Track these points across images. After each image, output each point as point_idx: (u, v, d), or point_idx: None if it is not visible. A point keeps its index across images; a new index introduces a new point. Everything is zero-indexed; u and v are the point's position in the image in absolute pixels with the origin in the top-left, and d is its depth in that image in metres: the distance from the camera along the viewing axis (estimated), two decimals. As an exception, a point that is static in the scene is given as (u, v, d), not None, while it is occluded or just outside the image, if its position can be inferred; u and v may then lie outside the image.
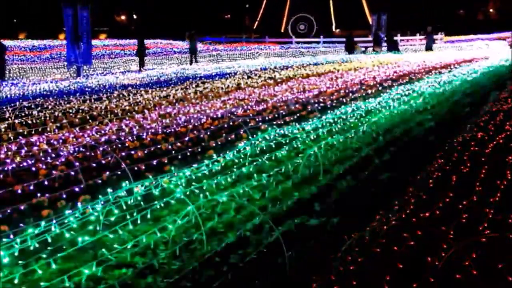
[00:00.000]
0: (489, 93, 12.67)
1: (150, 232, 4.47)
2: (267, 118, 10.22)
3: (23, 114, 10.79)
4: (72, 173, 6.37)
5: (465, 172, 5.97)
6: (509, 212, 4.67)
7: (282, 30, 53.85)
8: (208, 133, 8.61)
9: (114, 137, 8.30)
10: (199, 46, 32.81)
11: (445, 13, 56.21)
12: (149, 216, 4.96)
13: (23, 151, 7.51)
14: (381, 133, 8.29)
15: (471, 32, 44.83)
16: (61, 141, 8.24)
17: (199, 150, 7.74)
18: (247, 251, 4.26)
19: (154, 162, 6.96)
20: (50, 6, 40.83)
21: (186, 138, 8.29)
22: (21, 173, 6.64)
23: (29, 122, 10.11)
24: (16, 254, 4.06)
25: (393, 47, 31.85)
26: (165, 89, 14.92)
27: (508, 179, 5.63)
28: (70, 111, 11.31)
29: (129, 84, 16.20)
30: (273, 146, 7.55)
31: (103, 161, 6.98)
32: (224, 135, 8.48)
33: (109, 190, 5.00)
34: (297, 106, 11.67)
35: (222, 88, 15.03)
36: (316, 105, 11.73)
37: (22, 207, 5.35)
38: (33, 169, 6.73)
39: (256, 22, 56.54)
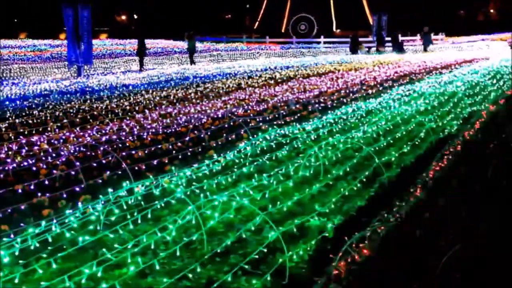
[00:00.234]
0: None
1: (151, 232, 4.47)
2: (267, 118, 10.22)
3: (23, 114, 10.80)
4: (73, 172, 6.37)
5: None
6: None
7: (283, 30, 53.86)
8: (209, 133, 8.61)
9: (114, 137, 8.30)
10: (199, 46, 32.85)
11: (446, 14, 56.20)
12: (149, 216, 4.96)
13: (23, 150, 7.51)
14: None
15: (471, 33, 44.82)
16: (61, 140, 8.25)
17: (200, 150, 7.74)
18: (247, 251, 4.26)
19: (155, 162, 6.97)
20: (50, 6, 40.84)
21: (187, 138, 8.29)
22: (22, 173, 6.64)
23: (30, 121, 10.11)
24: (16, 253, 4.06)
25: (398, 47, 31.79)
26: (165, 89, 14.93)
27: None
28: (71, 110, 11.32)
29: (130, 84, 16.22)
30: (274, 146, 7.55)
31: (104, 161, 6.98)
32: (224, 135, 8.48)
33: (110, 190, 5.00)
34: (297, 106, 11.68)
35: (222, 88, 15.04)
36: (317, 105, 11.73)
37: (22, 207, 5.35)
38: (34, 168, 6.73)
39: (257, 22, 56.56)
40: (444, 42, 42.96)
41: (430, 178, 5.81)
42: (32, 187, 5.95)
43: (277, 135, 7.78)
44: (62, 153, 7.23)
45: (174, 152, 7.60)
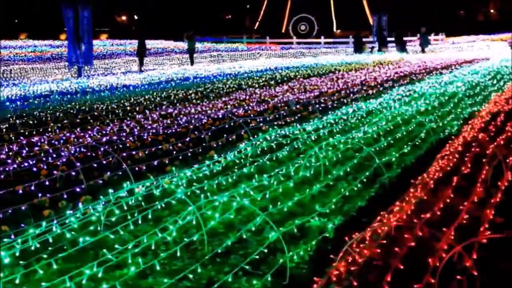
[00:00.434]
0: None
1: (151, 232, 4.47)
2: (268, 118, 10.22)
3: (24, 114, 10.80)
4: (73, 173, 6.37)
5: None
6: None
7: (283, 31, 53.90)
8: (209, 134, 8.61)
9: (115, 137, 8.31)
10: (199, 46, 32.83)
11: (446, 14, 56.20)
12: (150, 216, 4.96)
13: (24, 151, 7.52)
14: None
15: (471, 33, 44.82)
16: (62, 141, 8.25)
17: (200, 150, 7.74)
18: (247, 252, 4.26)
19: (155, 162, 6.97)
20: (50, 6, 40.86)
21: (187, 139, 8.29)
22: (22, 173, 6.65)
23: (30, 122, 10.12)
24: (17, 254, 4.07)
25: (401, 47, 31.76)
26: (166, 89, 14.94)
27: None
28: (72, 111, 11.32)
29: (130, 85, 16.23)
30: (274, 146, 7.55)
31: (104, 162, 6.99)
32: (225, 135, 8.49)
33: (110, 190, 5.01)
34: (298, 106, 11.68)
35: (222, 89, 15.05)
36: (317, 105, 11.73)
37: (23, 207, 5.35)
38: (34, 169, 6.73)
39: (257, 23, 56.58)
40: (444, 42, 42.96)
41: (430, 178, 5.81)
42: (32, 187, 5.95)
43: (277, 135, 7.78)
44: (62, 153, 7.24)
45: (174, 152, 7.61)
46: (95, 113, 10.79)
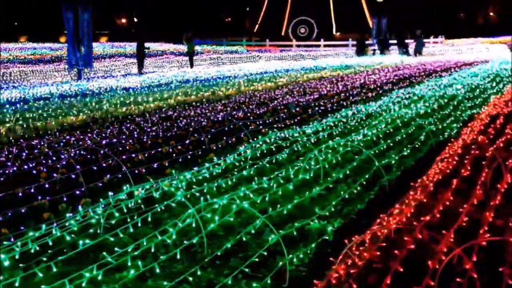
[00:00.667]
0: None
1: (151, 235, 4.47)
2: (267, 121, 10.23)
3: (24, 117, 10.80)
4: (73, 176, 6.37)
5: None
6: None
7: (283, 33, 53.95)
8: (209, 136, 8.62)
9: (115, 140, 8.31)
10: (198, 49, 32.82)
11: (445, 17, 56.29)
12: (149, 219, 4.96)
13: (23, 154, 7.52)
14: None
15: (471, 36, 44.91)
16: (62, 144, 8.26)
17: (200, 153, 7.74)
18: (247, 254, 4.26)
19: (155, 165, 6.97)
20: (50, 8, 40.91)
21: (187, 141, 8.29)
22: (22, 176, 6.64)
23: (30, 125, 10.12)
24: (16, 257, 4.07)
25: (404, 49, 31.82)
26: (165, 92, 14.94)
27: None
28: (72, 114, 11.32)
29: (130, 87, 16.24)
30: (274, 149, 7.56)
31: (104, 164, 6.99)
32: (224, 138, 8.49)
33: (110, 193, 5.01)
34: (297, 109, 11.69)
35: (222, 91, 15.06)
36: (317, 108, 11.74)
37: (22, 210, 5.35)
38: (34, 172, 6.73)
39: (257, 25, 56.63)
40: (444, 45, 43.03)
41: (430, 181, 5.81)
42: (32, 190, 5.95)
43: (277, 138, 7.79)
44: (62, 156, 7.24)
45: (174, 155, 7.61)
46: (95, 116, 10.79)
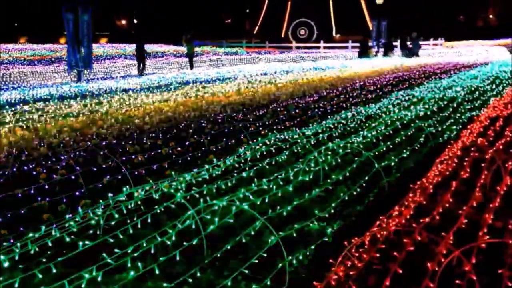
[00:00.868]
0: None
1: (151, 236, 4.47)
2: (267, 123, 10.24)
3: (23, 118, 10.79)
4: (73, 177, 6.37)
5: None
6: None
7: (283, 35, 54.04)
8: (209, 138, 8.62)
9: (114, 141, 8.31)
10: (198, 50, 32.82)
11: (445, 19, 56.37)
12: (149, 220, 4.96)
13: (23, 155, 7.52)
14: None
15: (471, 38, 44.99)
16: (61, 145, 8.25)
17: (200, 154, 7.75)
18: (247, 256, 4.26)
19: (155, 166, 6.97)
20: (50, 10, 40.94)
21: (187, 143, 8.30)
22: (22, 177, 6.64)
23: (30, 126, 10.11)
24: (16, 258, 4.06)
25: (407, 51, 31.91)
26: (165, 93, 14.94)
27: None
28: (71, 115, 11.32)
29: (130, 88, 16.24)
30: (273, 151, 7.56)
31: (104, 166, 6.99)
32: (224, 139, 8.49)
33: (110, 194, 5.01)
34: (297, 111, 11.69)
35: (222, 93, 15.06)
36: (317, 110, 11.74)
37: (22, 211, 5.35)
38: (34, 173, 6.73)
39: (257, 27, 56.70)
40: (443, 47, 43.08)
41: (429, 183, 5.81)
42: (32, 191, 5.95)
43: (276, 139, 7.79)
44: (62, 157, 7.24)
45: (174, 156, 7.61)
46: (95, 117, 10.77)
